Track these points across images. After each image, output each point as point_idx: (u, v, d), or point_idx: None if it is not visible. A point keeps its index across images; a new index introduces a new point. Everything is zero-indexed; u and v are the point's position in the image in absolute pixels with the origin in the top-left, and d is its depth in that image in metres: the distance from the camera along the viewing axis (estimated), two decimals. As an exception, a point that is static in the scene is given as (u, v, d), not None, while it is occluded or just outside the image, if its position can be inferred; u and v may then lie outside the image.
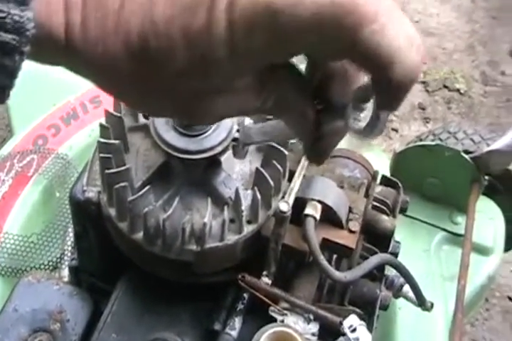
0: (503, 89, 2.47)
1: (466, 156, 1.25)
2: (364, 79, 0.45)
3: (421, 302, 0.93)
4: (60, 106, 1.38)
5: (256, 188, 0.71)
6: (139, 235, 0.72)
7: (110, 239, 0.78)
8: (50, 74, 1.31)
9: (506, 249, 1.42)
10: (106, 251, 0.83)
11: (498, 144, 1.25)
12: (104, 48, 0.40)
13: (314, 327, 0.77)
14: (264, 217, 0.74)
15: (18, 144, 1.32)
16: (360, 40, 0.37)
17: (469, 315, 1.52)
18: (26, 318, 0.84)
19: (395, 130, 2.33)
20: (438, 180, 1.33)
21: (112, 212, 0.73)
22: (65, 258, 1.12)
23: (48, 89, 1.37)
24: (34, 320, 0.84)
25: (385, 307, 0.86)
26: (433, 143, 1.33)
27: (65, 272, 1.08)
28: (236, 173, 0.76)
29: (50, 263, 1.14)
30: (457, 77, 2.49)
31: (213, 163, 0.72)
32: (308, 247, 0.74)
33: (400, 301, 0.98)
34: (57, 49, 0.40)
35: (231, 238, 0.72)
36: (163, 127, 0.69)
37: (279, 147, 0.74)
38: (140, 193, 0.68)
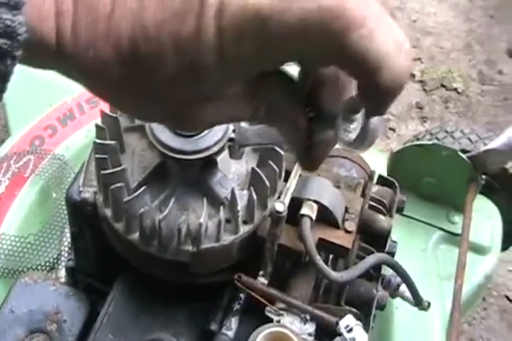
0: (501, 88, 2.47)
1: (463, 155, 1.25)
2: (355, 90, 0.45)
3: (418, 301, 0.93)
4: (57, 106, 1.38)
5: (252, 188, 0.71)
6: (135, 236, 0.72)
7: (106, 239, 0.78)
8: (47, 75, 1.31)
9: (503, 248, 1.42)
10: (102, 252, 0.83)
11: (495, 143, 1.26)
12: (95, 53, 0.40)
13: (311, 327, 0.77)
14: (260, 217, 0.74)
15: (14, 145, 1.32)
16: (348, 45, 0.37)
17: (466, 315, 1.53)
18: (23, 319, 0.84)
19: (393, 129, 2.33)
20: (435, 180, 1.33)
21: (108, 212, 0.73)
22: (62, 258, 1.12)
23: (44, 89, 1.37)
24: (31, 321, 0.84)
25: (381, 307, 0.86)
26: (430, 142, 1.34)
27: (62, 273, 1.08)
28: (232, 173, 0.76)
29: (47, 264, 1.14)
30: (455, 76, 2.49)
31: (209, 164, 0.72)
32: (305, 247, 0.74)
33: (397, 301, 0.98)
34: (49, 53, 0.40)
35: (227, 238, 0.72)
36: (159, 128, 0.69)
37: (275, 147, 0.74)
38: (136, 194, 0.68)
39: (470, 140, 1.42)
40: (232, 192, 0.71)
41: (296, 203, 0.76)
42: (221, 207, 0.70)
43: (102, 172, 0.70)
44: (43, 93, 1.38)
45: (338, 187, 0.86)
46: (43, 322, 0.84)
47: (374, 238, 0.84)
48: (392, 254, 0.88)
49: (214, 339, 0.77)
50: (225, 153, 0.71)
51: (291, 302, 0.77)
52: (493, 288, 1.93)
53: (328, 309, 0.78)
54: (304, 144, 0.48)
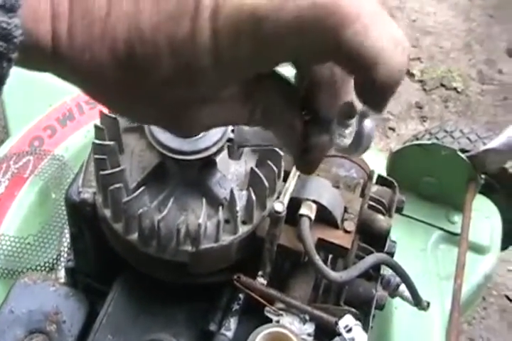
0: (500, 88, 2.48)
1: (463, 155, 1.25)
2: (350, 94, 0.45)
3: (417, 301, 0.93)
4: (56, 107, 1.38)
5: (251, 189, 0.71)
6: (134, 236, 0.72)
7: (105, 240, 0.78)
8: (46, 76, 1.31)
9: (503, 248, 1.42)
10: (101, 252, 0.83)
11: (494, 143, 1.26)
12: (91, 55, 0.40)
13: (310, 328, 0.77)
14: (259, 217, 0.74)
15: (14, 146, 1.32)
16: (343, 41, 0.37)
17: (466, 314, 1.53)
18: (22, 320, 0.84)
19: (392, 129, 2.33)
20: (434, 179, 1.33)
21: (107, 213, 0.73)
22: (62, 259, 1.12)
23: (43, 90, 1.37)
24: (30, 322, 0.84)
25: (381, 307, 0.86)
26: (429, 142, 1.34)
27: (62, 273, 1.08)
28: (231, 174, 0.76)
29: (47, 265, 1.14)
30: (454, 75, 2.49)
31: (208, 164, 0.72)
32: (304, 247, 0.75)
33: (396, 301, 0.98)
34: (45, 56, 0.40)
35: (226, 238, 0.72)
36: (158, 128, 0.69)
37: (274, 148, 0.74)
38: (135, 194, 0.68)
39: (469, 139, 1.43)
40: (231, 192, 0.71)
41: (295, 203, 0.76)
42: (220, 208, 0.70)
43: (101, 172, 0.70)
44: (43, 93, 1.38)
45: (337, 187, 0.86)
46: (42, 322, 0.84)
47: (373, 238, 0.84)
48: (391, 254, 0.88)
49: (213, 339, 0.77)
50: (224, 153, 0.71)
51: (290, 303, 0.77)
52: (492, 287, 1.93)
53: (328, 309, 0.78)
54: (300, 147, 0.48)
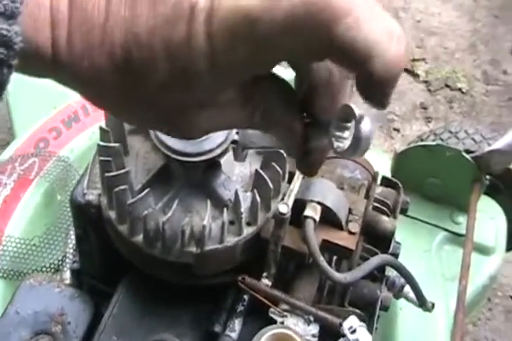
0: (505, 88, 2.47)
1: (467, 156, 1.25)
2: (348, 97, 0.45)
3: (422, 302, 0.93)
4: (61, 109, 1.38)
5: (255, 190, 0.72)
6: (139, 238, 0.72)
7: (110, 241, 0.79)
8: (51, 78, 1.32)
9: (508, 249, 1.42)
10: (106, 254, 0.83)
11: (499, 144, 1.26)
12: (90, 61, 0.40)
13: (314, 329, 0.77)
14: (264, 218, 0.74)
15: (19, 147, 1.32)
16: (336, 37, 0.37)
17: (471, 315, 1.52)
18: (28, 321, 0.84)
19: (397, 130, 2.32)
20: (439, 180, 1.33)
21: (112, 214, 0.73)
22: (67, 260, 1.13)
23: (48, 92, 1.37)
24: (36, 323, 0.84)
25: (385, 308, 0.86)
26: (434, 143, 1.33)
27: (67, 274, 1.08)
28: (236, 175, 0.77)
29: (52, 266, 1.15)
30: (459, 76, 2.49)
31: (213, 165, 0.73)
32: (308, 249, 0.75)
33: (401, 302, 0.98)
34: (44, 62, 0.40)
35: (231, 240, 0.72)
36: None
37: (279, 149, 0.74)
38: (140, 196, 0.68)
39: (474, 140, 1.42)
40: (236, 194, 0.71)
41: (299, 205, 0.77)
42: (225, 209, 0.70)
43: (106, 174, 0.70)
44: (48, 95, 1.38)
45: (342, 188, 0.86)
46: (47, 323, 0.84)
47: (378, 239, 0.84)
48: (396, 255, 0.88)
49: (218, 340, 0.77)
50: (229, 154, 0.71)
51: (294, 304, 0.77)
52: (498, 288, 1.93)
53: (332, 310, 0.78)
54: (301, 150, 0.48)
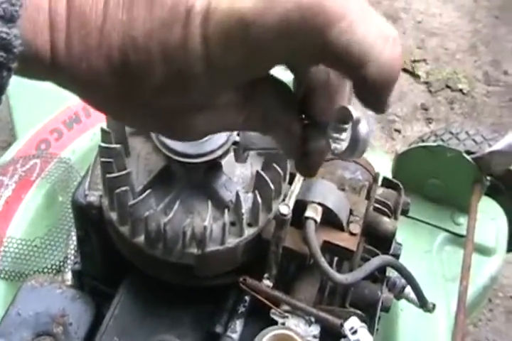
0: (506, 89, 2.47)
1: (468, 157, 1.25)
2: (346, 99, 0.45)
3: (423, 303, 0.93)
4: (63, 110, 1.38)
5: (256, 191, 0.72)
6: (140, 239, 0.73)
7: (112, 242, 0.79)
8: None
9: (509, 250, 1.42)
10: (108, 255, 0.83)
11: (499, 145, 1.26)
12: (88, 64, 0.40)
13: (315, 330, 0.77)
14: (265, 219, 0.74)
15: (21, 149, 1.32)
16: (330, 41, 0.37)
17: (472, 316, 1.52)
18: (29, 322, 0.85)
19: (398, 131, 2.33)
20: (440, 181, 1.33)
21: (114, 216, 0.74)
22: (68, 262, 1.13)
23: (50, 93, 1.37)
24: (37, 324, 0.85)
25: (386, 309, 0.86)
26: (435, 144, 1.34)
27: (68, 276, 1.09)
28: (237, 176, 0.77)
29: (53, 267, 1.15)
30: (460, 77, 2.49)
31: (214, 167, 0.73)
32: (309, 250, 0.75)
33: (402, 303, 0.99)
34: (44, 65, 0.41)
35: (232, 241, 0.72)
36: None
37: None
38: (141, 197, 0.68)
39: (475, 141, 1.42)
40: (237, 195, 0.71)
41: (300, 206, 0.77)
42: (226, 210, 0.70)
43: (108, 175, 0.70)
44: (49, 97, 1.38)
45: (343, 189, 0.86)
46: (49, 324, 0.85)
47: (379, 240, 0.84)
48: (396, 256, 0.88)
49: (219, 341, 0.77)
50: (230, 156, 0.72)
51: (295, 305, 0.77)
52: (499, 289, 1.93)
53: (333, 311, 0.79)
54: (299, 151, 0.48)
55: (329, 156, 0.47)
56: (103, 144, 0.72)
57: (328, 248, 0.78)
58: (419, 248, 1.30)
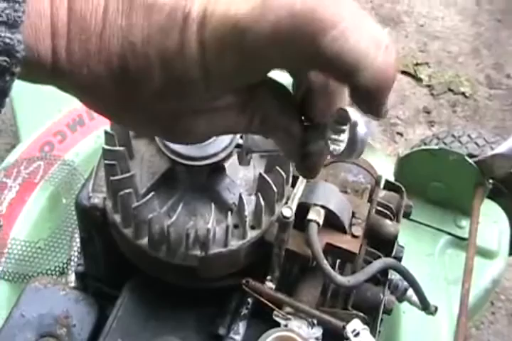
0: (509, 92, 2.47)
1: (470, 160, 1.26)
2: (345, 101, 0.45)
3: (425, 306, 0.93)
4: (66, 112, 1.39)
5: (259, 194, 0.72)
6: (144, 241, 0.73)
7: (115, 244, 0.79)
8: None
9: (511, 253, 1.42)
10: (111, 257, 0.83)
11: (502, 148, 1.26)
12: (89, 70, 0.41)
13: (318, 332, 0.77)
14: (268, 222, 0.75)
15: (24, 151, 1.33)
16: (322, 49, 0.37)
17: (474, 319, 1.53)
18: (33, 323, 0.85)
19: (400, 134, 2.33)
20: (442, 184, 1.34)
21: (117, 218, 0.74)
22: (72, 263, 1.13)
23: (53, 96, 1.37)
24: (41, 325, 0.85)
25: (388, 312, 0.86)
26: (437, 147, 1.34)
27: (72, 277, 1.09)
28: (240, 179, 0.77)
29: (57, 269, 1.15)
30: (462, 80, 2.49)
31: (217, 169, 0.73)
32: (312, 252, 0.75)
33: (404, 305, 0.99)
34: (45, 70, 0.41)
35: (235, 243, 0.73)
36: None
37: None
38: (144, 200, 0.69)
39: (477, 144, 1.43)
40: (240, 197, 0.71)
41: (303, 208, 0.77)
42: (229, 213, 0.70)
43: (111, 178, 0.70)
44: (53, 99, 1.38)
45: (345, 192, 0.86)
46: (52, 326, 0.85)
47: (381, 243, 0.85)
48: (399, 259, 0.89)
49: (222, 343, 0.77)
50: (233, 158, 0.72)
51: (298, 307, 0.77)
52: (501, 292, 1.93)
53: (336, 313, 0.79)
54: (300, 153, 0.48)
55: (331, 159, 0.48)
56: (107, 146, 0.72)
57: (330, 250, 0.78)
58: (422, 251, 1.30)
